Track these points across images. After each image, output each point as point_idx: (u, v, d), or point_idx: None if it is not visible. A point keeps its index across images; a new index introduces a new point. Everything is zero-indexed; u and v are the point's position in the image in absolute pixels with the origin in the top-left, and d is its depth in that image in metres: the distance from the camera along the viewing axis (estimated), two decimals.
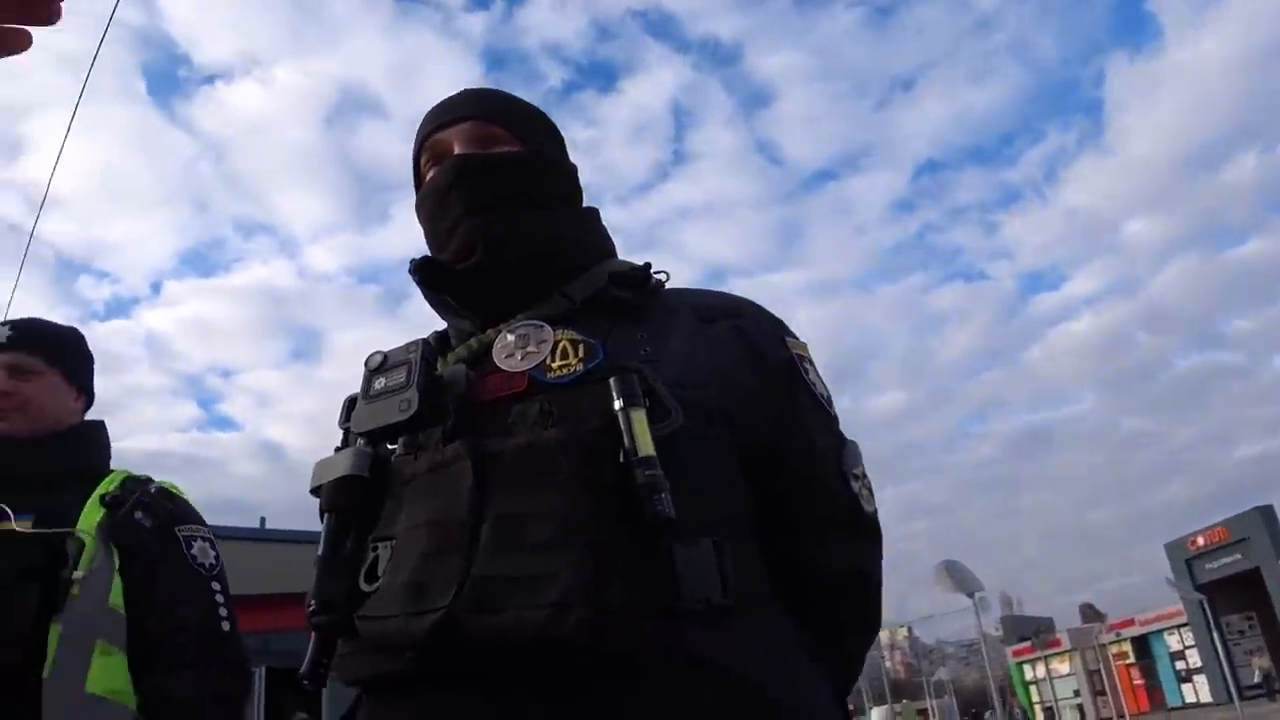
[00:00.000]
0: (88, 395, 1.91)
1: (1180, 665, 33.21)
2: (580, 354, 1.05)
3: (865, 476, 1.20)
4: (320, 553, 1.03)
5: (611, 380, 0.98)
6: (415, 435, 1.08)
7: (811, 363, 1.22)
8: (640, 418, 0.95)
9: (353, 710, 1.07)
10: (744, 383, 1.11)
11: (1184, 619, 31.74)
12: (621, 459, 0.93)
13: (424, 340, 1.12)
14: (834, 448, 1.18)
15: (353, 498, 1.05)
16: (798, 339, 1.24)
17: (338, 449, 1.15)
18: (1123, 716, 29.45)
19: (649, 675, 0.90)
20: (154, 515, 1.71)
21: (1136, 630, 35.42)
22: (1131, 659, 35.65)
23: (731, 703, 0.92)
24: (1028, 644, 38.95)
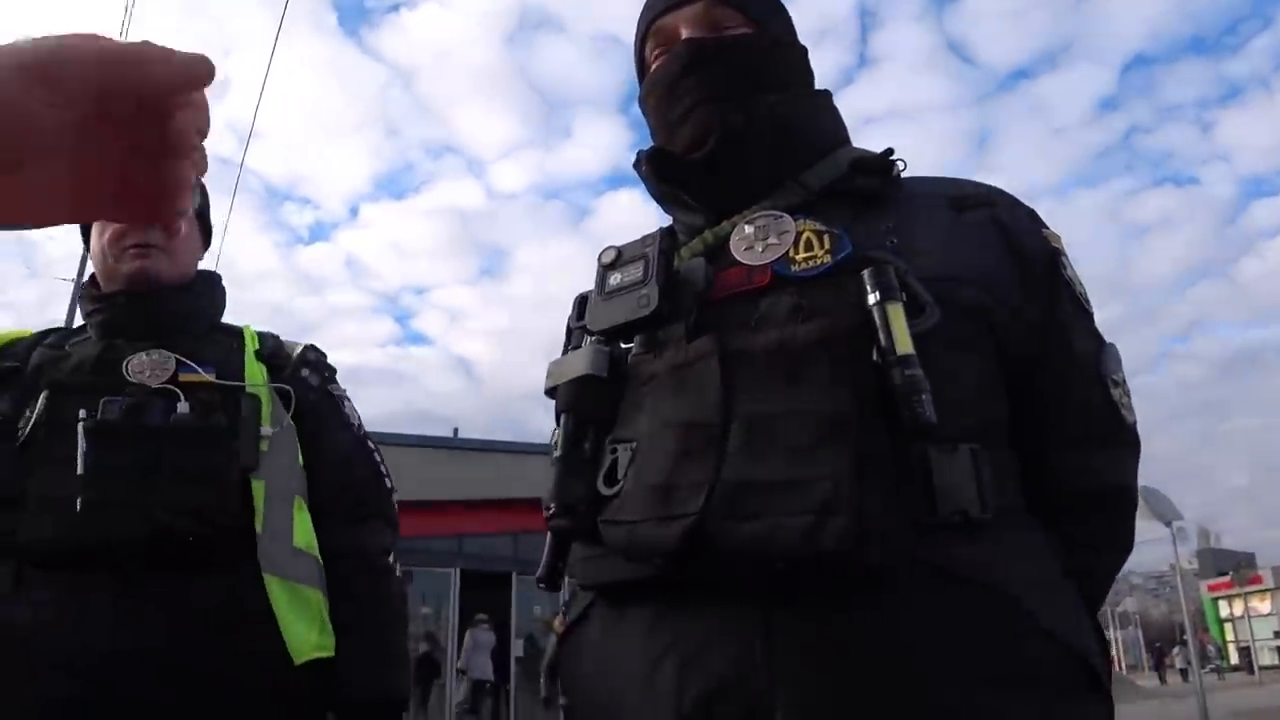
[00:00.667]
0: (207, 241, 1.82)
1: None
2: (827, 245, 0.98)
3: (1125, 383, 1.10)
4: (558, 454, 1.01)
5: (865, 272, 0.91)
6: (654, 333, 1.03)
7: (1066, 256, 1.11)
8: (898, 313, 0.88)
9: (585, 612, 1.06)
10: (1004, 278, 1.02)
11: None
12: (877, 357, 0.87)
13: (661, 231, 1.07)
14: (1093, 351, 1.08)
15: (591, 398, 1.02)
16: (1054, 231, 1.12)
17: (567, 349, 1.13)
18: None
19: (906, 590, 0.86)
20: (319, 373, 1.70)
21: None
22: None
23: (991, 620, 0.88)
24: (1226, 579, 36.94)
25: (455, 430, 18.24)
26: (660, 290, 1.00)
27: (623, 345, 1.06)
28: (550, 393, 1.06)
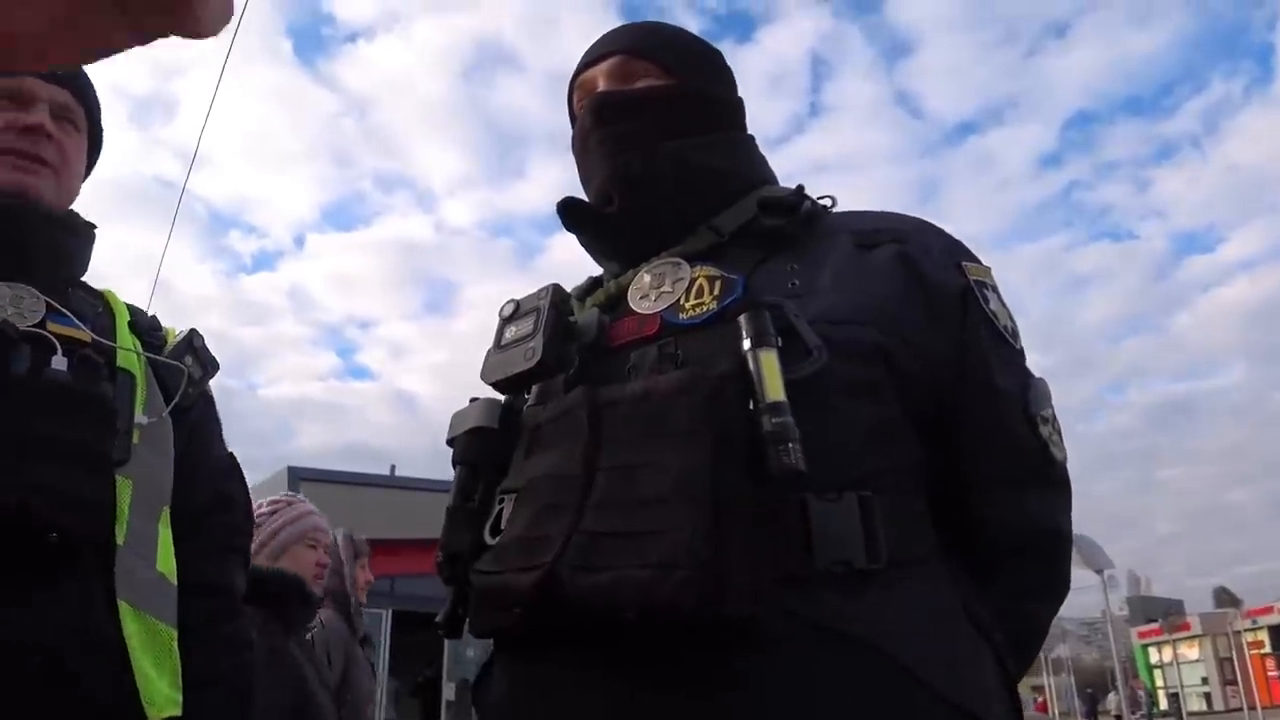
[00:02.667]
0: (92, 164, 1.47)
1: None
2: (716, 291, 0.97)
3: (1054, 420, 1.06)
4: (449, 504, 1.04)
5: (741, 318, 0.90)
6: (546, 385, 1.04)
7: (994, 289, 1.08)
8: (770, 359, 0.86)
9: (488, 663, 1.06)
10: (907, 316, 0.99)
11: None
12: (751, 405, 0.86)
13: (554, 285, 1.06)
14: (1018, 388, 1.04)
15: (482, 449, 1.05)
16: (979, 263, 1.09)
17: (472, 400, 1.13)
18: (1254, 708, 28.10)
19: (773, 646, 0.83)
20: (203, 365, 1.38)
21: (1275, 618, 33.70)
22: (1268, 648, 33.95)
23: (869, 681, 0.83)
24: (1155, 626, 37.55)
25: (393, 467, 18.01)
26: (546, 343, 0.99)
27: (522, 397, 1.08)
28: (450, 442, 1.08)
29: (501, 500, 1.00)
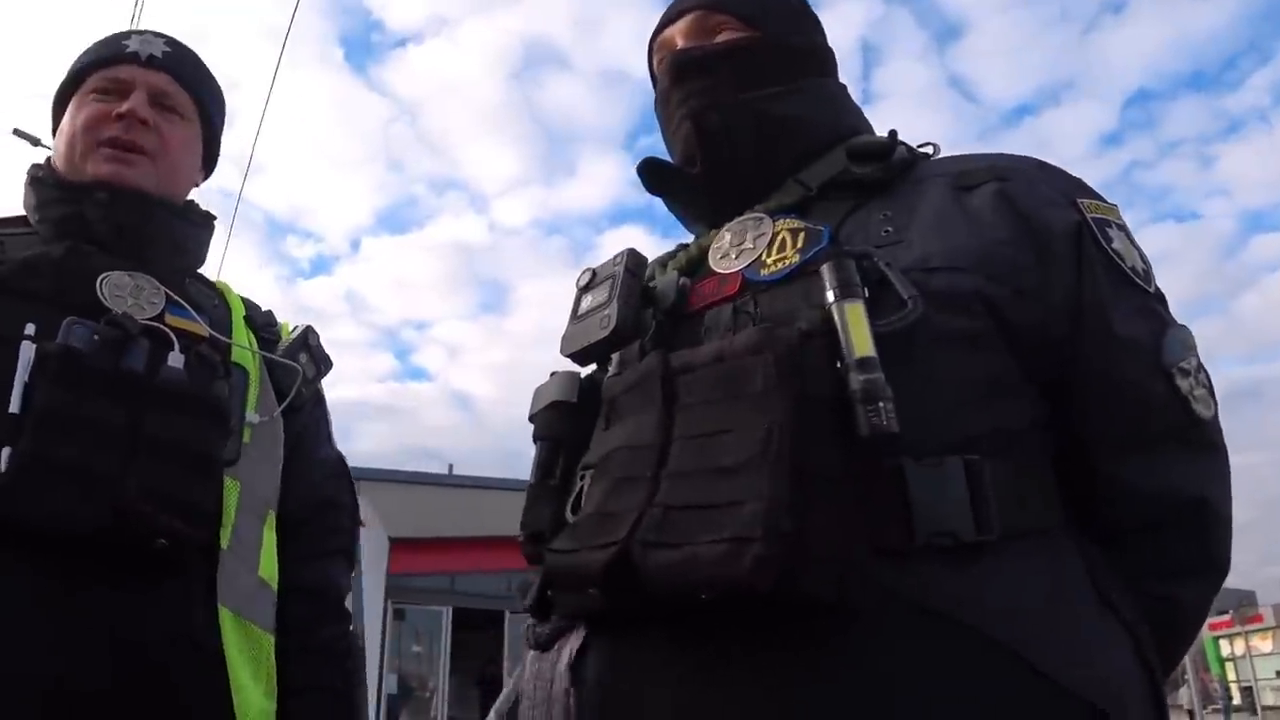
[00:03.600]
0: (211, 164, 1.46)
1: None
2: (800, 243, 0.91)
3: (1199, 371, 0.95)
4: (530, 480, 1.01)
5: (824, 268, 0.84)
6: (626, 353, 1.00)
7: (1122, 228, 0.97)
8: (856, 311, 0.80)
9: (584, 643, 0.97)
10: (1013, 259, 0.91)
11: None
12: (838, 363, 0.80)
13: (629, 250, 1.02)
14: (1149, 334, 0.93)
15: (562, 424, 1.02)
16: (1103, 201, 0.99)
17: (553, 374, 1.09)
18: None
19: (865, 629, 0.76)
20: (317, 364, 1.34)
21: None
22: None
23: (977, 670, 0.76)
24: (1226, 617, 36.65)
25: (450, 466, 18.19)
26: (622, 309, 0.96)
27: (604, 368, 1.04)
28: (531, 419, 1.05)
29: (583, 476, 0.95)
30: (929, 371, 0.84)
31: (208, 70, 1.39)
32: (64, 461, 1.00)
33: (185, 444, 1.09)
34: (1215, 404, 0.96)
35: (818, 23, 1.20)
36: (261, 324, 1.33)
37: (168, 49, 1.31)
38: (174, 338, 1.15)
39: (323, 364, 1.35)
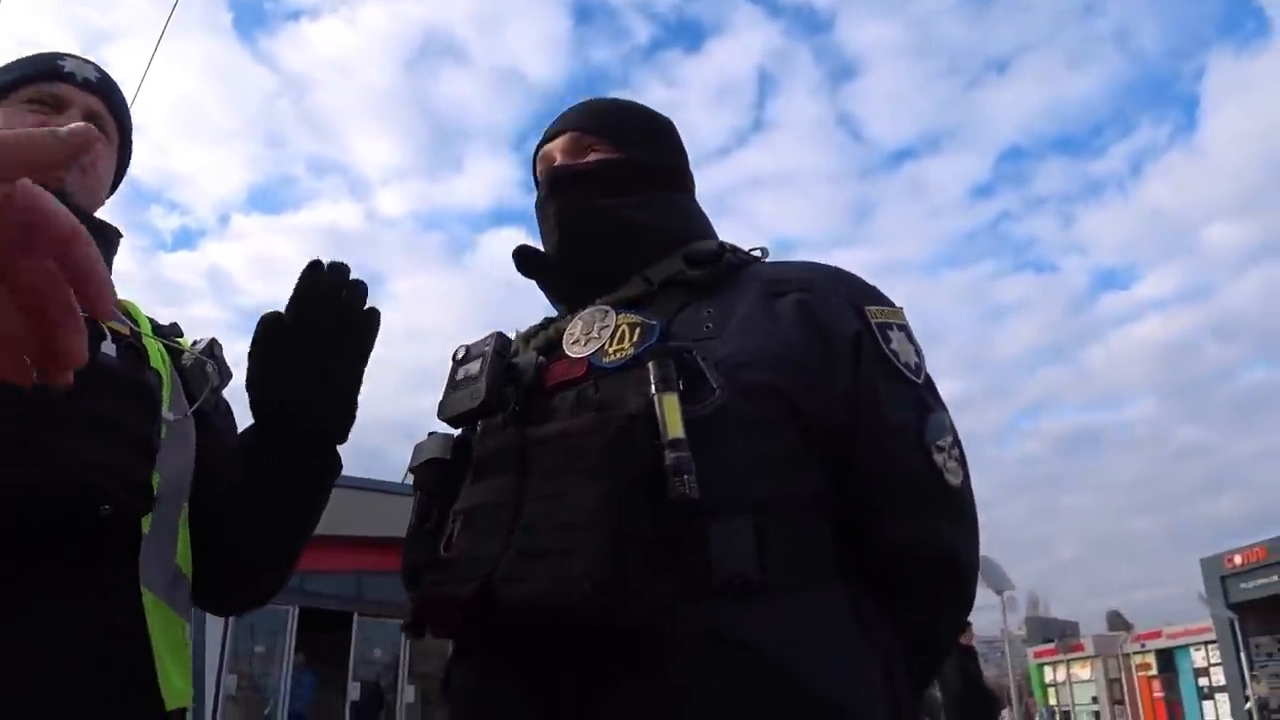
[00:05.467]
0: (120, 175, 1.47)
1: (1204, 682, 32.86)
2: (635, 337, 1.10)
3: (953, 447, 1.15)
4: (410, 523, 1.21)
5: (650, 364, 1.02)
6: (488, 420, 1.17)
7: (900, 328, 1.18)
8: (671, 401, 0.98)
9: (451, 660, 1.19)
10: (804, 360, 1.09)
11: (1212, 636, 31.33)
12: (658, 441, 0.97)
13: (498, 333, 1.21)
14: (912, 420, 1.13)
15: (437, 478, 1.21)
16: (887, 306, 1.20)
17: (430, 434, 1.27)
18: None
19: (669, 650, 0.94)
20: (221, 374, 1.36)
21: (1163, 643, 35.02)
22: (1154, 671, 35.28)
23: (754, 681, 0.94)
24: (1051, 645, 38.69)
25: None
26: (489, 385, 1.14)
27: (472, 429, 1.22)
28: (412, 470, 1.23)
29: (454, 519, 1.13)
30: (728, 448, 1.01)
31: (125, 98, 1.45)
32: (13, 436, 1.02)
33: (123, 422, 1.13)
34: (965, 473, 1.16)
35: (679, 146, 1.41)
36: (167, 334, 1.37)
37: (99, 74, 1.37)
38: (105, 330, 1.18)
39: (225, 375, 1.38)
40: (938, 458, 1.12)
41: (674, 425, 0.97)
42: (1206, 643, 32.26)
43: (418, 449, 1.24)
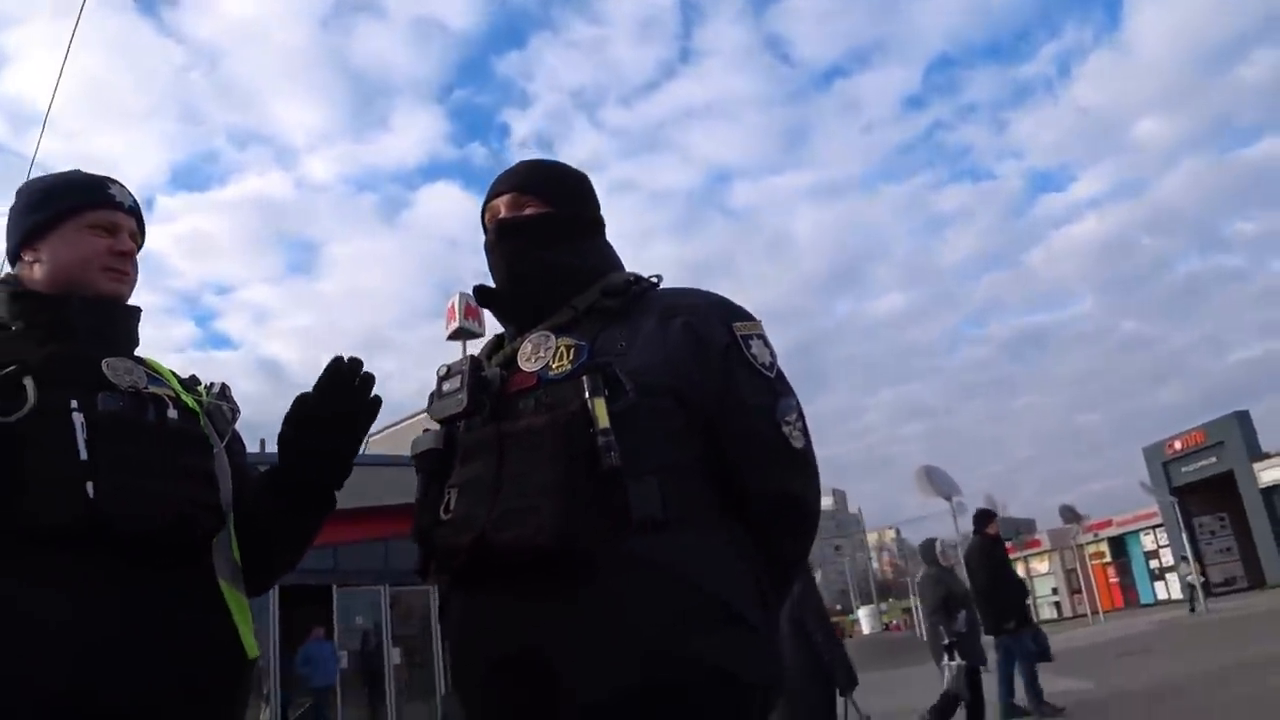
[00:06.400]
0: None
1: (1154, 564, 34.31)
2: (571, 356, 1.51)
3: (798, 421, 1.58)
4: (417, 497, 1.64)
5: (584, 377, 1.44)
6: (470, 419, 1.56)
7: (759, 337, 1.60)
8: (600, 403, 1.40)
9: (446, 595, 1.58)
10: (687, 365, 1.51)
11: (1159, 520, 32.70)
12: (591, 430, 1.39)
13: (472, 355, 1.64)
14: (768, 404, 1.55)
15: (433, 462, 1.62)
16: (750, 321, 1.63)
17: (425, 430, 1.68)
18: (1097, 613, 30.58)
19: (605, 569, 1.36)
20: (234, 409, 1.80)
21: (1114, 531, 36.37)
22: (1108, 558, 36.74)
23: (661, 585, 1.36)
24: (1009, 544, 40.02)
25: (262, 442, 17.37)
26: (469, 394, 1.54)
27: (456, 426, 1.61)
28: (412, 458, 1.66)
29: (449, 492, 1.54)
30: (638, 431, 1.42)
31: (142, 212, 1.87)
32: (130, 486, 1.45)
33: (198, 467, 1.58)
34: (807, 440, 1.60)
35: (594, 197, 1.83)
36: (188, 384, 1.77)
37: (133, 200, 1.81)
38: (168, 400, 1.61)
39: (236, 412, 1.81)
40: (785, 429, 1.55)
41: (602, 418, 1.38)
42: (1154, 526, 33.58)
43: (415, 442, 1.65)
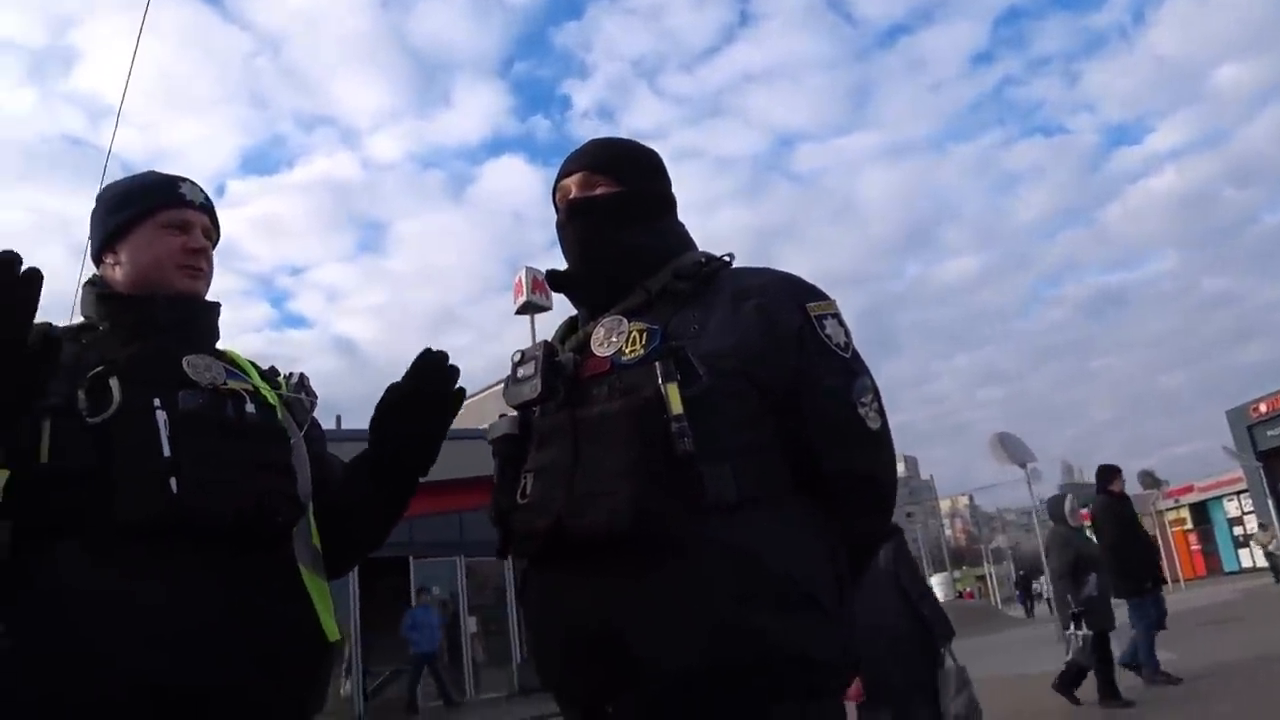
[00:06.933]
0: None
1: (1239, 531, 33.40)
2: (644, 341, 1.51)
3: (873, 401, 1.56)
4: (495, 481, 1.64)
5: (656, 363, 1.44)
6: (544, 405, 1.58)
7: (833, 316, 1.58)
8: (673, 388, 1.40)
9: (525, 575, 1.59)
10: (761, 348, 1.49)
11: (1244, 485, 31.80)
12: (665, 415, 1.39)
13: (545, 341, 1.64)
14: (842, 384, 1.53)
15: (510, 447, 1.64)
16: (823, 300, 1.60)
17: (501, 415, 1.69)
18: (1178, 581, 29.92)
19: (678, 550, 1.37)
20: (313, 399, 1.85)
21: (1195, 497, 35.49)
22: (1190, 525, 35.88)
23: (733, 565, 1.37)
24: (1086, 510, 39.32)
25: (338, 418, 17.84)
26: (543, 380, 1.55)
27: (531, 411, 1.63)
28: (490, 442, 1.67)
29: (525, 476, 1.56)
30: (713, 415, 1.43)
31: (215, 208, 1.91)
32: (211, 480, 1.51)
33: (276, 460, 1.64)
34: (883, 420, 1.59)
35: (667, 177, 1.80)
36: (267, 375, 1.82)
37: (205, 196, 1.84)
38: (246, 395, 1.67)
39: (313, 400, 1.87)
40: (860, 410, 1.53)
41: (676, 404, 1.39)
42: (1239, 492, 32.66)
43: (492, 428, 1.67)
